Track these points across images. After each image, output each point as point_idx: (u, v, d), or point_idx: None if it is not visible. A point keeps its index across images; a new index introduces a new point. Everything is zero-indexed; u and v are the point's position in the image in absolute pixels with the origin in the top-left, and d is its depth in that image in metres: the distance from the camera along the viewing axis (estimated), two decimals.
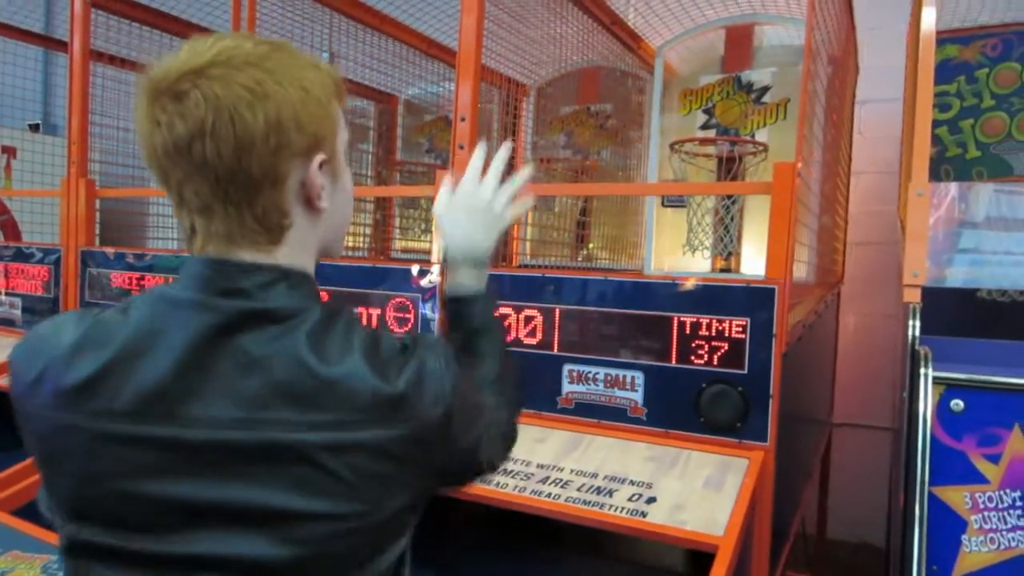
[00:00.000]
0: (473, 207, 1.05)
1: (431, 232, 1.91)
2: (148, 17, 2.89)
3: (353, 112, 3.28)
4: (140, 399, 0.74)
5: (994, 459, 1.41)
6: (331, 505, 0.73)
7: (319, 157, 0.80)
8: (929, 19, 1.65)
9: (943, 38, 2.92)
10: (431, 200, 1.93)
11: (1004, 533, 1.39)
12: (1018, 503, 1.39)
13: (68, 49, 2.68)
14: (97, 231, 2.82)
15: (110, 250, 2.61)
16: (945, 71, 2.96)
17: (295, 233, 0.81)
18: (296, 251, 0.82)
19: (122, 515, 0.75)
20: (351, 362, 0.75)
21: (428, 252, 1.92)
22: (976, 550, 1.40)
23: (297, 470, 0.73)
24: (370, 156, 3.31)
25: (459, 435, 0.82)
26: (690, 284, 1.59)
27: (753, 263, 2.41)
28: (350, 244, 3.09)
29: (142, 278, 2.49)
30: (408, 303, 1.90)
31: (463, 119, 1.86)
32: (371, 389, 0.74)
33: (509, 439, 0.99)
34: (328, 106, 0.81)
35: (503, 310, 1.77)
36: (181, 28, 2.99)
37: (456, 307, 1.04)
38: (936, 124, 2.96)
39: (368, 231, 3.22)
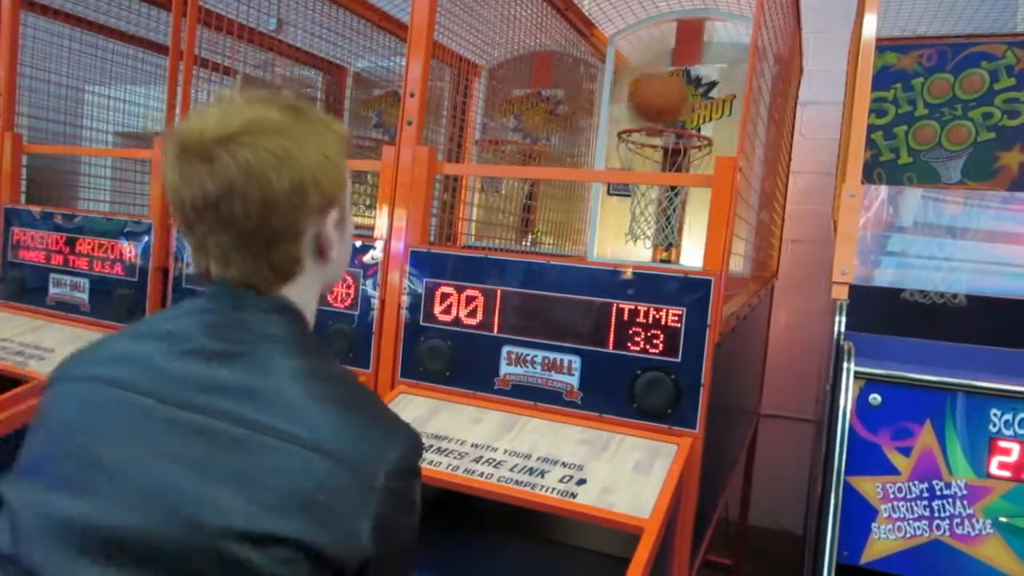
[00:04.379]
0: None
1: (376, 208, 1.89)
2: None
3: (300, 82, 3.21)
4: (156, 380, 0.83)
5: (906, 452, 1.49)
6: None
7: (334, 214, 0.90)
8: (870, 26, 1.70)
9: (883, 45, 3.02)
10: (377, 175, 1.91)
11: (910, 522, 1.47)
12: (924, 494, 1.47)
13: None
14: (24, 189, 2.69)
15: (36, 209, 2.50)
16: (883, 78, 3.06)
17: (303, 277, 0.91)
18: (300, 290, 0.91)
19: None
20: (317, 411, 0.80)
21: (372, 228, 1.90)
22: (884, 537, 1.48)
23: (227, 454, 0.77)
24: None
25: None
26: (630, 272, 1.62)
27: (693, 254, 2.46)
28: None
29: (73, 240, 2.40)
30: (349, 279, 1.88)
31: (412, 95, 1.84)
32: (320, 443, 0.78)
33: None
34: (342, 167, 0.91)
35: (445, 289, 1.77)
36: None
37: None
38: (872, 129, 3.06)
39: None
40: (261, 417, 0.78)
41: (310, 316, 0.95)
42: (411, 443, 0.84)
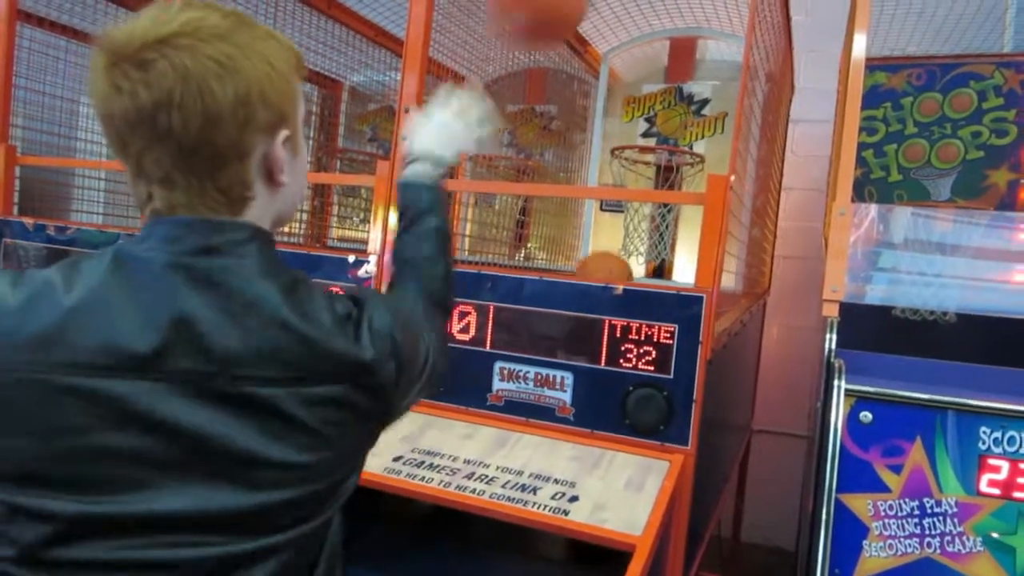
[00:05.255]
0: (443, 117, 1.17)
1: (369, 222, 1.90)
2: None
3: None
4: (108, 353, 0.71)
5: (896, 469, 1.49)
6: (295, 452, 0.76)
7: (283, 133, 0.81)
8: (860, 46, 1.72)
9: (873, 65, 3.05)
10: (371, 190, 1.91)
11: (901, 539, 1.47)
12: (915, 512, 1.47)
13: None
14: (16, 200, 2.69)
15: (29, 220, 2.50)
16: (873, 97, 3.09)
17: (256, 205, 0.81)
18: (256, 222, 0.82)
19: (82, 473, 0.71)
20: (325, 324, 0.78)
21: (365, 242, 1.90)
22: (875, 555, 1.48)
23: (266, 420, 0.74)
24: (311, 142, 3.25)
25: (409, 375, 0.87)
26: (622, 288, 1.63)
27: (685, 270, 2.47)
28: (285, 229, 3.03)
29: (65, 252, 2.39)
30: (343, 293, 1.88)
31: (407, 110, 1.85)
32: (342, 351, 0.78)
33: (445, 346, 1.04)
34: (292, 82, 0.82)
35: None
36: None
37: (408, 192, 1.14)
38: (863, 147, 3.09)
39: (305, 218, 3.17)
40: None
41: None
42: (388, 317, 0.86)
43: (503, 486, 1.51)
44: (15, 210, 2.64)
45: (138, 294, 0.74)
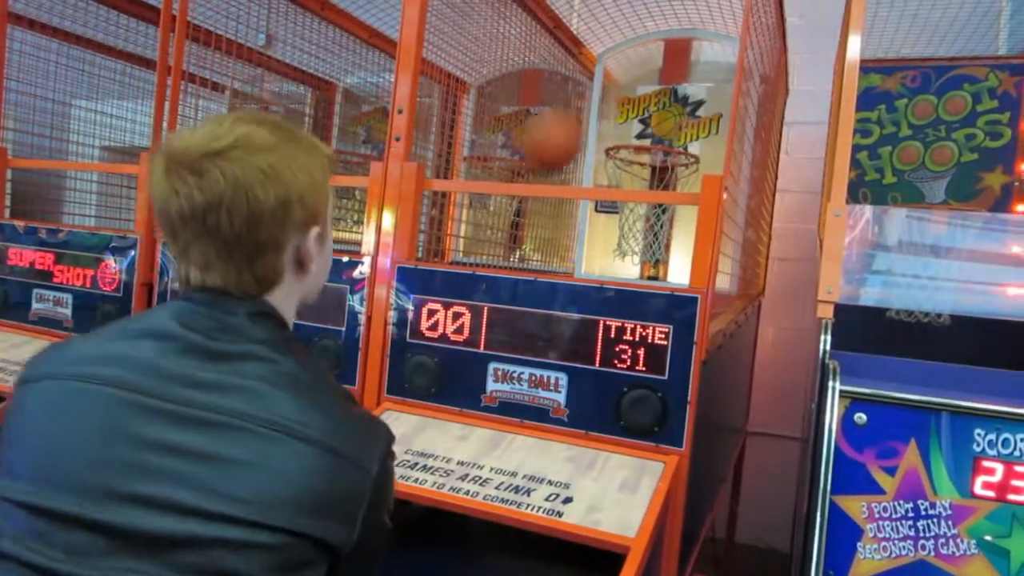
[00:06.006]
0: None
1: (363, 223, 1.89)
2: None
3: (289, 98, 3.21)
4: (156, 379, 0.83)
5: (891, 471, 1.49)
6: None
7: (315, 229, 0.94)
8: (854, 48, 1.72)
9: (867, 67, 3.06)
10: (365, 191, 1.91)
11: (896, 542, 1.47)
12: (910, 514, 1.47)
13: None
14: (8, 203, 2.67)
15: (20, 223, 2.48)
16: (868, 99, 3.10)
17: (282, 288, 0.94)
18: (280, 300, 0.95)
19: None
20: (328, 420, 0.86)
21: (359, 243, 1.90)
22: (870, 557, 1.48)
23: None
24: None
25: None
26: (617, 289, 1.62)
27: (680, 271, 2.47)
28: None
29: (60, 256, 2.38)
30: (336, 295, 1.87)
31: (400, 111, 1.85)
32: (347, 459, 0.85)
33: None
34: (325, 185, 0.95)
35: (432, 305, 1.77)
36: None
37: None
38: (857, 149, 3.09)
39: None
40: (260, 412, 0.82)
41: (289, 325, 0.98)
42: (387, 431, 0.93)
43: (497, 487, 1.51)
44: (7, 213, 2.63)
45: (177, 343, 0.88)
